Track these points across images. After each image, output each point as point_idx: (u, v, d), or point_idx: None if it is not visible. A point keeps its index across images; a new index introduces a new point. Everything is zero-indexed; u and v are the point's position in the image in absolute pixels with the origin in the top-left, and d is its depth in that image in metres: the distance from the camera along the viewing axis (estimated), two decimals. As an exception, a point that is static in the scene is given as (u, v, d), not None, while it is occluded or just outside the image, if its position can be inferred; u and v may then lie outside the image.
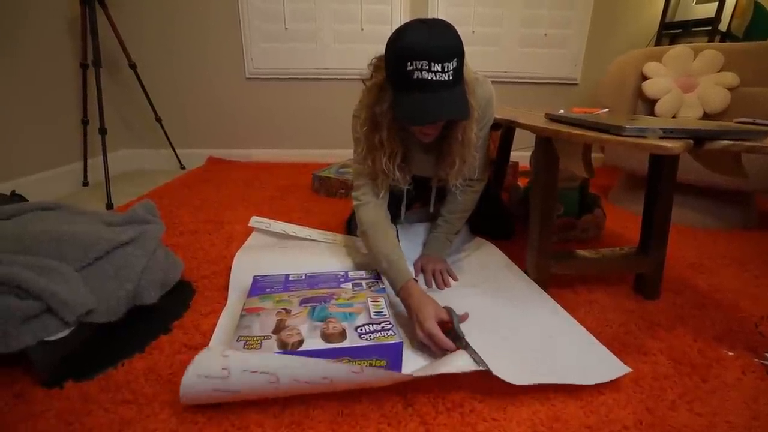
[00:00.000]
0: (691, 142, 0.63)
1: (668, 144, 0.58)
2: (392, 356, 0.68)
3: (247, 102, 2.35)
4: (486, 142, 1.03)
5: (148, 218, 0.94)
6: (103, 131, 1.69)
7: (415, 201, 1.37)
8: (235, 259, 1.01)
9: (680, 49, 1.68)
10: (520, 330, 0.80)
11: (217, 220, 1.44)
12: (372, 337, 0.68)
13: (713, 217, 1.48)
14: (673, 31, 2.25)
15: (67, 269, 0.72)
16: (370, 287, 0.86)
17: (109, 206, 1.61)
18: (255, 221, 1.21)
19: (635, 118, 0.82)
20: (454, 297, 0.92)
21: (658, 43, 2.26)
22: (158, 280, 0.86)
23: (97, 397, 0.63)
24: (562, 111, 1.07)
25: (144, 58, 2.10)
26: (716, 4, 2.04)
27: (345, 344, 0.66)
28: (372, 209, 0.96)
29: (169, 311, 0.87)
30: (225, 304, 0.91)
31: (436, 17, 0.92)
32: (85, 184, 1.94)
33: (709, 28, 2.07)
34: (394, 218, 1.23)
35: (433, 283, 1.00)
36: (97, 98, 1.69)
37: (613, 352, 0.76)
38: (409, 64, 0.74)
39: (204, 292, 0.96)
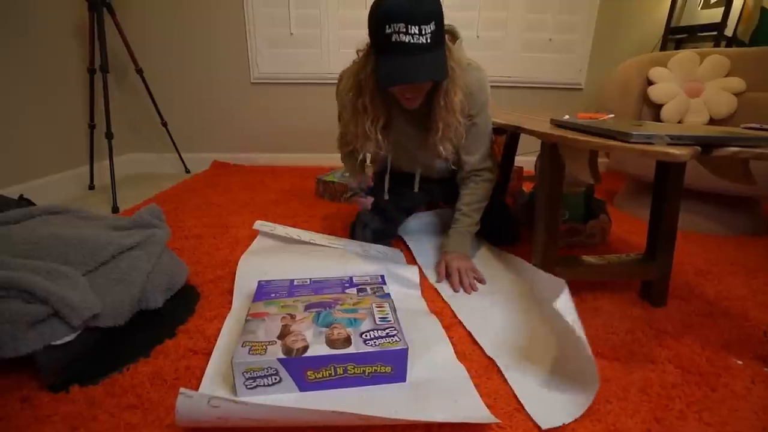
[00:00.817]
0: (699, 148, 0.62)
1: (676, 151, 0.58)
2: (397, 362, 0.68)
3: (252, 106, 2.36)
4: (488, 128, 1.05)
5: (154, 222, 0.95)
6: (109, 135, 1.70)
7: (421, 205, 1.38)
8: (239, 263, 1.01)
9: (686, 54, 1.68)
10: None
11: (222, 224, 1.45)
12: (377, 343, 0.68)
13: (721, 223, 1.47)
14: (678, 36, 2.25)
15: (74, 273, 0.72)
16: (374, 292, 0.86)
17: (115, 210, 1.62)
18: (259, 225, 1.22)
19: (641, 124, 0.81)
20: (480, 306, 0.91)
21: (663, 48, 2.25)
22: (163, 285, 0.86)
23: (103, 402, 0.64)
24: (567, 116, 1.07)
25: (150, 63, 2.12)
26: (722, 9, 2.03)
27: (350, 350, 0.66)
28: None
29: (174, 316, 0.87)
30: (230, 309, 0.91)
31: None
32: (92, 187, 1.95)
33: (715, 33, 2.07)
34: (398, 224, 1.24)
35: (460, 288, 0.99)
36: (104, 103, 1.70)
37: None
38: (387, 27, 0.78)
39: (209, 296, 0.96)
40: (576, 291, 0.98)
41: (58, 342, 0.66)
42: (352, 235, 1.26)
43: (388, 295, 0.85)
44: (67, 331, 0.67)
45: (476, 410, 0.63)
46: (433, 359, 0.74)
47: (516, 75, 2.33)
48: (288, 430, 0.61)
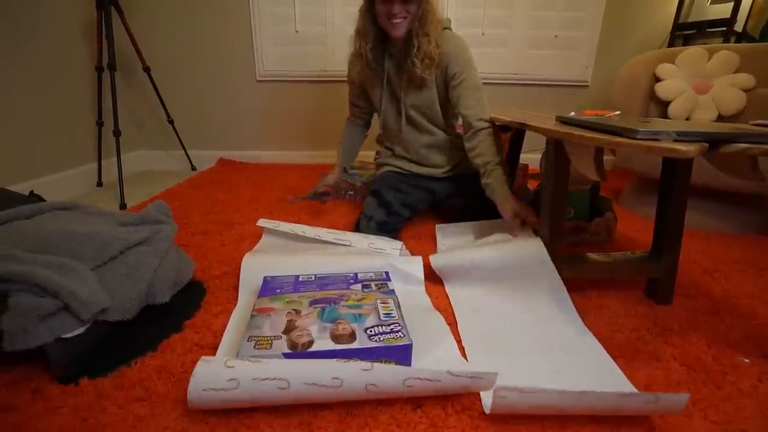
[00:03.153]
0: (706, 145, 0.62)
1: (682, 147, 0.57)
2: (401, 358, 0.68)
3: (257, 104, 2.37)
4: (478, 83, 1.21)
5: (161, 218, 0.96)
6: (117, 133, 1.72)
7: (424, 203, 1.39)
8: (244, 259, 1.02)
9: (694, 50, 1.66)
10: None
11: (228, 220, 1.46)
12: (381, 339, 0.68)
13: (728, 220, 1.45)
14: (686, 32, 2.22)
15: (83, 268, 0.73)
16: (379, 288, 0.86)
17: (122, 206, 1.64)
18: (263, 222, 1.23)
19: (648, 121, 0.81)
20: (496, 316, 0.89)
21: (671, 44, 2.23)
22: (170, 280, 0.87)
23: (111, 394, 0.65)
24: (573, 113, 1.07)
25: (157, 61, 2.13)
26: (731, 4, 2.00)
27: (354, 345, 0.67)
28: (349, 128, 1.52)
29: (181, 310, 0.88)
30: (236, 304, 0.92)
31: None
32: (99, 184, 1.98)
33: (725, 28, 2.04)
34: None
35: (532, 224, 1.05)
36: (112, 101, 1.72)
37: (625, 358, 0.76)
38: None
39: (215, 291, 0.97)
40: (581, 289, 0.99)
41: (68, 335, 0.67)
42: (357, 228, 1.27)
43: (393, 291, 0.85)
44: (77, 325, 0.68)
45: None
46: (437, 356, 0.75)
47: (522, 72, 2.32)
48: (289, 409, 0.61)
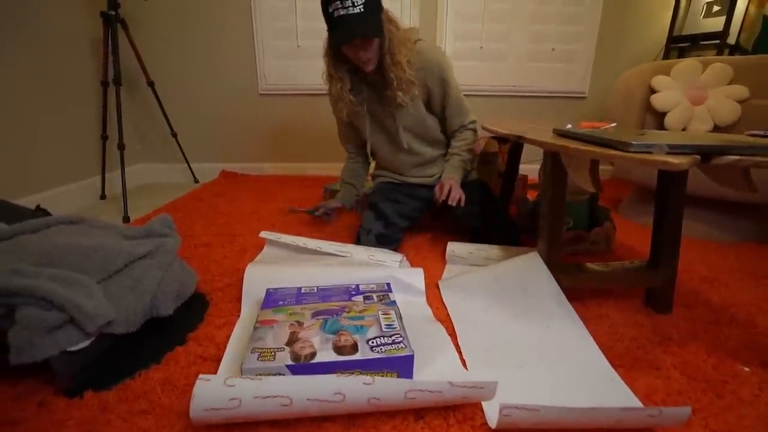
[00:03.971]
0: (698, 157, 0.63)
1: (675, 160, 0.59)
2: (403, 368, 0.69)
3: (259, 117, 2.40)
4: (459, 93, 1.27)
5: (165, 232, 0.97)
6: (121, 146, 1.74)
7: (419, 213, 1.42)
8: (246, 271, 1.03)
9: (689, 63, 1.69)
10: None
11: (230, 232, 1.47)
12: (383, 350, 0.69)
13: (726, 230, 1.47)
14: (681, 44, 2.26)
15: (89, 281, 0.74)
16: (380, 300, 0.87)
17: (126, 219, 1.65)
18: (265, 234, 1.24)
19: (643, 133, 0.83)
20: (496, 329, 0.88)
21: (666, 56, 2.27)
22: (174, 293, 0.88)
23: (116, 407, 0.65)
24: (569, 126, 1.09)
25: (161, 75, 2.17)
26: (724, 17, 2.05)
27: (357, 357, 0.67)
28: (350, 164, 1.48)
29: (184, 323, 0.89)
30: (238, 316, 0.92)
31: None
32: (103, 197, 2.00)
33: (718, 41, 2.08)
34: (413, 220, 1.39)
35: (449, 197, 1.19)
36: (117, 115, 1.75)
37: (624, 367, 0.76)
38: (329, 6, 1.04)
39: (218, 304, 0.98)
40: (580, 298, 0.99)
41: (73, 348, 0.68)
42: (358, 242, 1.28)
43: (394, 302, 0.86)
44: (82, 338, 0.69)
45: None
46: (439, 367, 0.75)
47: (520, 84, 2.36)
48: (292, 422, 0.62)
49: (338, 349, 0.69)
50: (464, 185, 1.37)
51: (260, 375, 0.63)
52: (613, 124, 1.10)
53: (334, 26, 1.06)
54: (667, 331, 0.88)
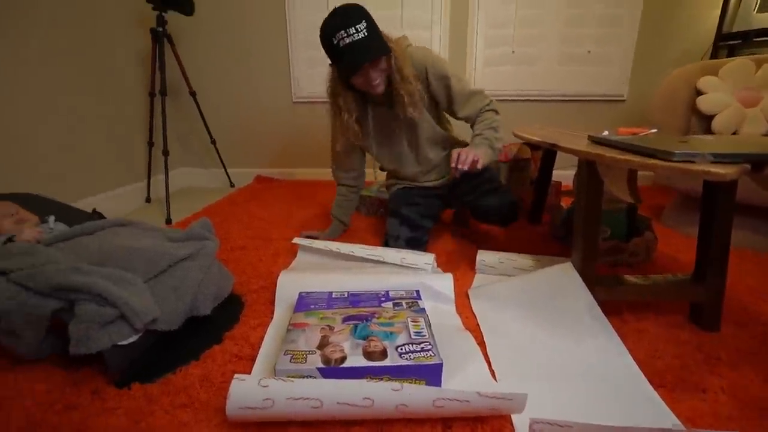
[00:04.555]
0: (747, 166, 0.60)
1: (720, 170, 0.56)
2: (432, 377, 0.69)
3: (293, 124, 2.48)
4: (462, 83, 1.20)
5: (205, 235, 1.02)
6: (166, 153, 1.85)
7: (439, 211, 1.43)
8: (280, 276, 1.07)
9: (740, 62, 1.59)
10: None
11: (265, 236, 1.52)
12: (412, 357, 0.69)
13: (782, 241, 1.36)
14: (731, 42, 2.13)
15: (138, 281, 0.80)
16: (410, 307, 0.88)
17: (168, 221, 1.75)
18: (298, 240, 1.28)
19: (686, 140, 0.79)
20: (526, 340, 0.87)
21: (714, 56, 2.14)
22: (212, 294, 0.93)
23: (159, 400, 0.69)
24: (606, 132, 1.05)
25: (202, 86, 2.29)
26: (781, 13, 1.91)
27: (386, 363, 0.68)
28: (341, 200, 1.47)
29: (221, 323, 0.93)
30: (272, 318, 0.96)
31: (345, 3, 1.12)
32: (148, 200, 2.12)
33: (774, 38, 1.94)
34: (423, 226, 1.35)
35: (461, 161, 1.05)
36: (162, 123, 1.86)
37: (665, 387, 0.73)
38: (334, 38, 1.04)
39: (253, 305, 1.02)
40: (618, 312, 0.96)
41: (123, 342, 0.73)
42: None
43: (423, 309, 0.86)
44: (131, 333, 0.74)
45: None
46: (467, 376, 0.75)
47: (554, 89, 2.30)
48: (322, 424, 0.63)
49: (368, 355, 0.70)
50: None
51: (292, 377, 0.65)
52: (654, 130, 1.05)
53: (341, 56, 1.05)
54: (715, 351, 0.83)
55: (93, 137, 1.81)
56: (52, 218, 1.05)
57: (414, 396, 0.60)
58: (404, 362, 0.68)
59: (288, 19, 2.27)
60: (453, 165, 1.06)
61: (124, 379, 0.73)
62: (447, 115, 1.36)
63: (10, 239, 0.90)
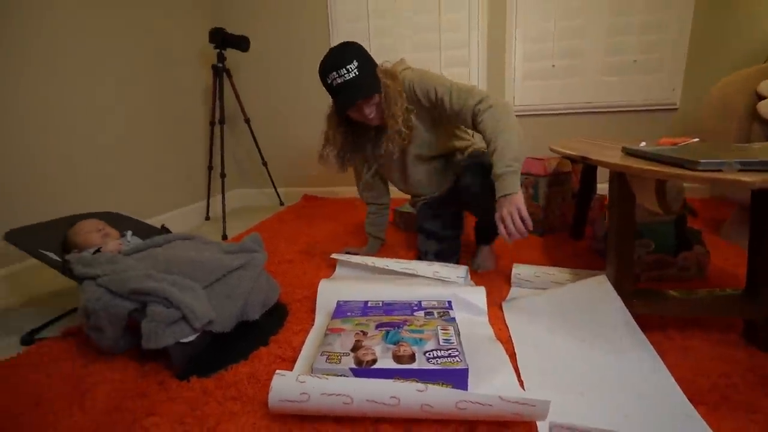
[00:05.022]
0: (782, 174, 0.58)
1: (747, 178, 0.56)
2: (458, 381, 0.72)
3: (336, 145, 2.63)
4: (453, 94, 1.13)
5: (255, 248, 1.13)
6: (223, 175, 2.05)
7: (457, 212, 1.40)
8: (320, 285, 1.14)
9: (805, 64, 1.48)
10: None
11: (309, 251, 1.63)
12: (439, 362, 0.73)
13: None
14: (799, 43, 1.97)
15: (197, 287, 0.91)
16: (441, 316, 0.91)
17: (224, 237, 1.92)
18: (336, 255, 1.36)
19: (744, 148, 0.77)
20: (558, 352, 0.86)
21: (778, 57, 1.99)
22: (261, 301, 1.03)
23: (213, 392, 0.78)
24: (643, 143, 1.04)
25: (256, 113, 2.51)
26: None
27: (414, 366, 0.72)
28: (372, 218, 1.52)
29: (267, 327, 1.02)
30: (312, 324, 1.03)
31: (342, 41, 1.18)
32: (207, 218, 2.34)
33: None
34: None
35: (510, 232, 0.98)
36: (221, 148, 2.07)
37: (707, 405, 0.69)
38: (327, 78, 1.13)
39: (296, 313, 1.11)
40: (662, 327, 0.92)
41: (184, 340, 0.84)
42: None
43: (454, 319, 0.90)
44: (191, 333, 0.85)
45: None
46: (496, 385, 0.76)
47: (597, 100, 2.25)
48: (353, 420, 0.68)
49: (397, 358, 0.75)
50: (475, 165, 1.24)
51: (327, 375, 0.71)
52: (696, 139, 1.01)
53: (336, 94, 1.14)
54: (769, 371, 0.77)
55: (162, 162, 2.05)
56: (129, 233, 1.22)
57: (438, 397, 0.64)
58: (431, 366, 0.72)
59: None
60: (501, 235, 1.01)
61: (185, 373, 0.83)
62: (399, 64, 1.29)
63: (98, 250, 1.07)
